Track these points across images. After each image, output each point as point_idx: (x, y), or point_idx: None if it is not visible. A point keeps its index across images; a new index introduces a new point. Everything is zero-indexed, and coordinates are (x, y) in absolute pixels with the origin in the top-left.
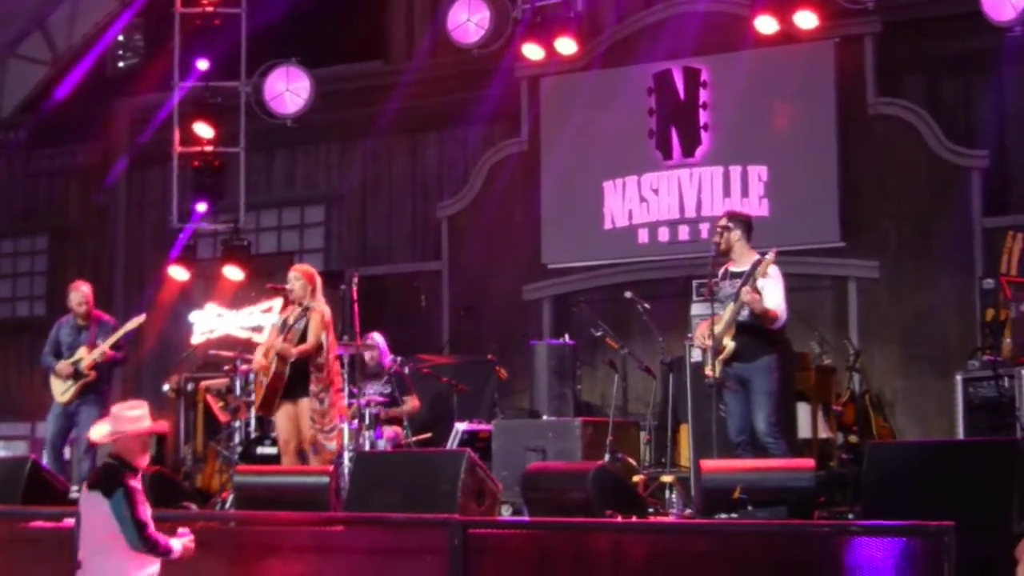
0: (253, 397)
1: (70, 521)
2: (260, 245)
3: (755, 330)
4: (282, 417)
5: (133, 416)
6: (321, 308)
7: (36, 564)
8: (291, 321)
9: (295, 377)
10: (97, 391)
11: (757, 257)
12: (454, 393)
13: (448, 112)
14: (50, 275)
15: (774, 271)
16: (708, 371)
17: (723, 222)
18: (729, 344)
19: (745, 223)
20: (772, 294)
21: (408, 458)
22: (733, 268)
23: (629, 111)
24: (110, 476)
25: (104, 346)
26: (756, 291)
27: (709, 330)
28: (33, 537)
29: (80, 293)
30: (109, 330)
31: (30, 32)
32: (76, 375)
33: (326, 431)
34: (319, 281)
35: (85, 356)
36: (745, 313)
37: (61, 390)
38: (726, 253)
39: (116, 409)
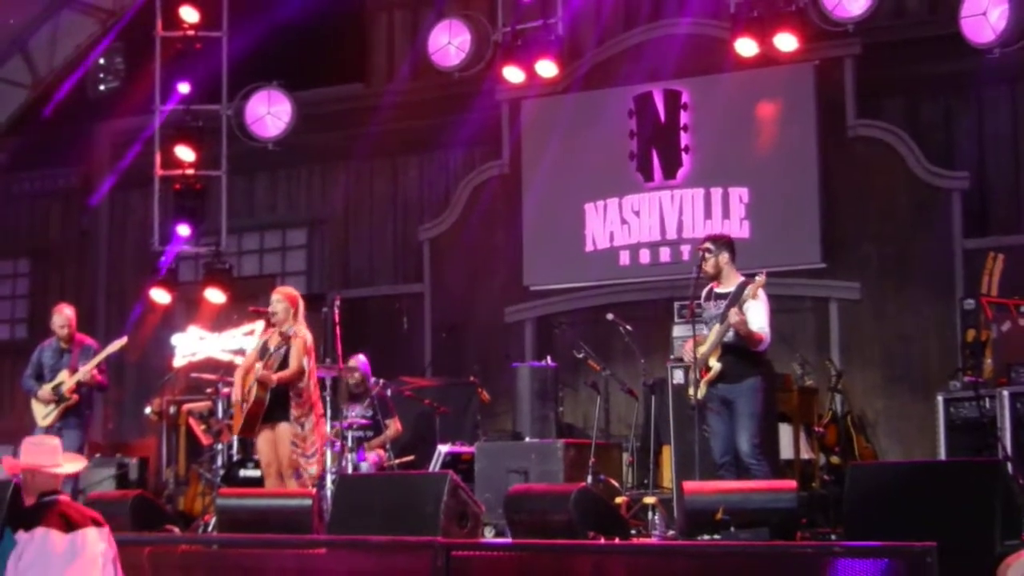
0: (232, 420)
1: None
2: (242, 268)
3: (740, 351)
4: (262, 441)
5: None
6: (303, 333)
7: None
8: (272, 347)
9: (275, 401)
10: (79, 415)
11: (742, 279)
12: (436, 415)
13: (429, 135)
14: (32, 298)
15: (761, 293)
16: (691, 392)
17: (708, 246)
18: (715, 365)
19: (729, 245)
20: (757, 316)
21: (391, 480)
22: (718, 289)
23: (610, 133)
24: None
25: (88, 367)
26: (742, 313)
27: (694, 348)
28: None
29: (63, 316)
30: (91, 354)
31: (11, 55)
32: (58, 399)
33: (307, 455)
34: (302, 305)
35: (66, 380)
36: (731, 334)
37: (43, 414)
38: (715, 276)
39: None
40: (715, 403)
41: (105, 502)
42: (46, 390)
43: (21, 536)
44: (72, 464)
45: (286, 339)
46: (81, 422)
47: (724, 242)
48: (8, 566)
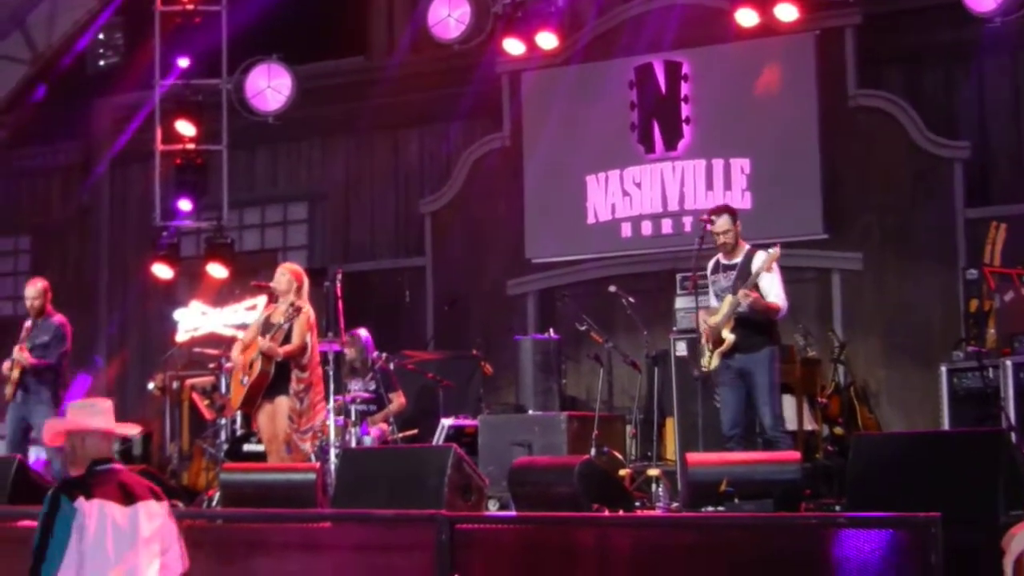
0: (229, 393)
1: None
2: (243, 243)
3: (754, 322)
4: (263, 416)
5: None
6: (307, 309)
7: (23, 563)
8: (277, 320)
9: (276, 375)
10: (48, 388)
11: (748, 249)
12: (439, 389)
13: (429, 108)
14: (33, 274)
15: (775, 265)
16: (704, 362)
17: (725, 221)
18: (728, 336)
19: (736, 214)
20: (773, 285)
21: (394, 454)
22: (725, 260)
23: (611, 105)
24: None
25: (16, 348)
26: (754, 289)
27: (706, 318)
28: (20, 536)
29: (32, 288)
30: (48, 329)
31: (9, 32)
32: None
33: (302, 431)
34: (306, 281)
35: (16, 354)
36: (746, 304)
37: (7, 388)
38: (734, 247)
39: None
40: (727, 375)
41: None
42: (5, 365)
43: (82, 504)
44: (126, 427)
45: (297, 310)
46: (51, 397)
47: (733, 213)
48: (72, 538)
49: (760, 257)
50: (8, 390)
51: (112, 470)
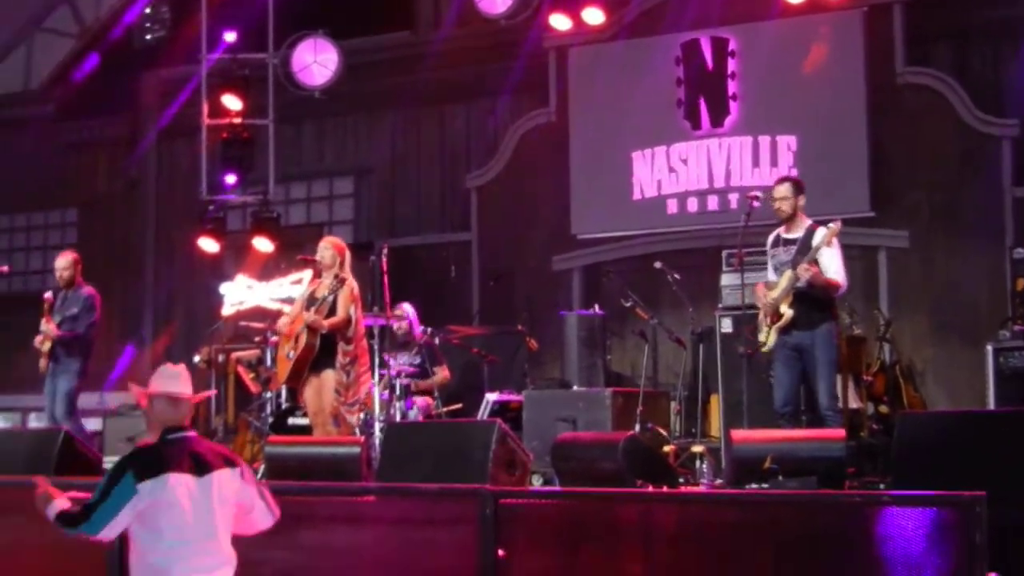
0: (275, 367)
1: None
2: (289, 217)
3: (813, 298)
4: (309, 390)
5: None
6: (351, 282)
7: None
8: (322, 293)
9: (321, 349)
10: (73, 360)
11: (810, 224)
12: (484, 363)
13: (476, 83)
14: (80, 248)
15: (835, 241)
16: (762, 338)
17: (784, 189)
18: (787, 312)
19: (802, 188)
20: (832, 262)
21: (439, 428)
22: (786, 235)
23: (657, 81)
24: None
25: (43, 320)
26: (814, 264)
27: (765, 291)
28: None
29: (63, 260)
30: (77, 300)
31: (57, 6)
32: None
33: (349, 404)
34: (348, 255)
35: (43, 326)
36: (805, 279)
37: (40, 360)
38: (789, 218)
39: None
40: (783, 351)
41: None
42: (37, 339)
43: (144, 486)
44: (200, 393)
45: (341, 282)
46: (75, 368)
47: (799, 185)
48: (120, 516)
49: (821, 232)
50: (42, 363)
51: (185, 439)
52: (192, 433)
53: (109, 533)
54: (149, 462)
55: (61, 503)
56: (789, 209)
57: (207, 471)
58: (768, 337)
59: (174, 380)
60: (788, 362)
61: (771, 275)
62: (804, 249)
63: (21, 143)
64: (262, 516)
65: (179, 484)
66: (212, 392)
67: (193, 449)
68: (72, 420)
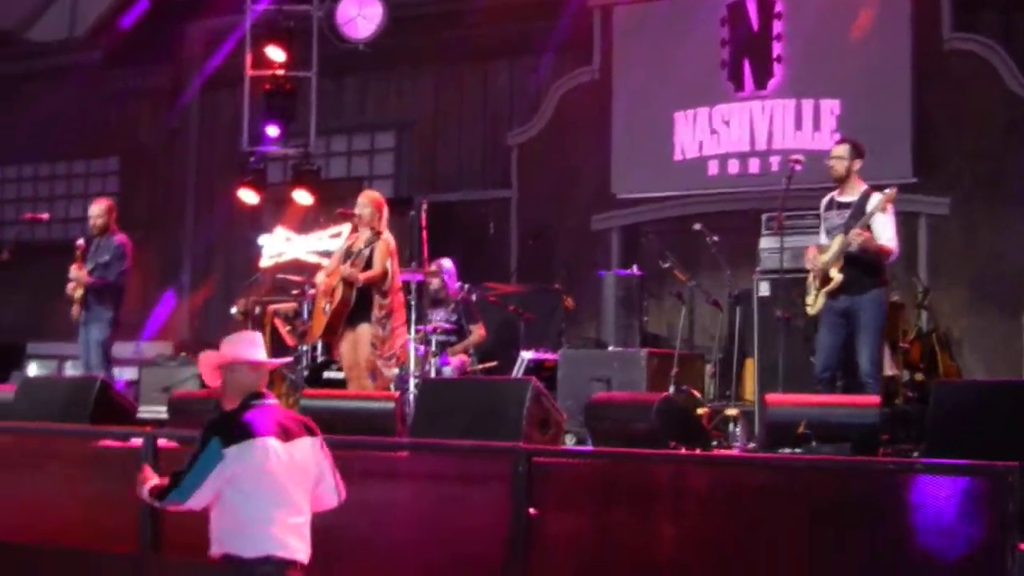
0: (311, 320)
1: (137, 441)
2: (330, 170)
3: (864, 262)
4: (345, 344)
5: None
6: (387, 236)
7: (104, 483)
8: (358, 247)
9: (358, 303)
10: (104, 308)
11: (865, 188)
12: (520, 322)
13: (520, 40)
14: (121, 196)
15: (890, 207)
16: (809, 301)
17: (842, 149)
18: (836, 276)
19: (860, 152)
20: (886, 228)
21: (473, 385)
22: (839, 198)
23: (701, 41)
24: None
25: (73, 266)
26: (867, 229)
27: (816, 255)
28: (101, 456)
29: (97, 207)
30: (109, 248)
31: None
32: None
33: (385, 357)
34: (386, 210)
35: (74, 273)
36: (856, 244)
37: (72, 308)
38: (842, 180)
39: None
40: (830, 316)
41: (190, 401)
42: (70, 286)
43: (231, 451)
44: (279, 359)
45: (377, 235)
46: (107, 317)
47: (856, 148)
48: (208, 482)
49: (875, 197)
50: (74, 310)
51: (267, 406)
52: (273, 399)
53: (199, 499)
54: (234, 428)
55: (154, 481)
56: (842, 170)
57: (290, 438)
58: (816, 300)
59: (254, 347)
60: (833, 327)
61: (823, 238)
62: (858, 214)
63: (65, 91)
64: (329, 493)
65: (265, 449)
66: (289, 359)
67: (277, 416)
68: (105, 370)
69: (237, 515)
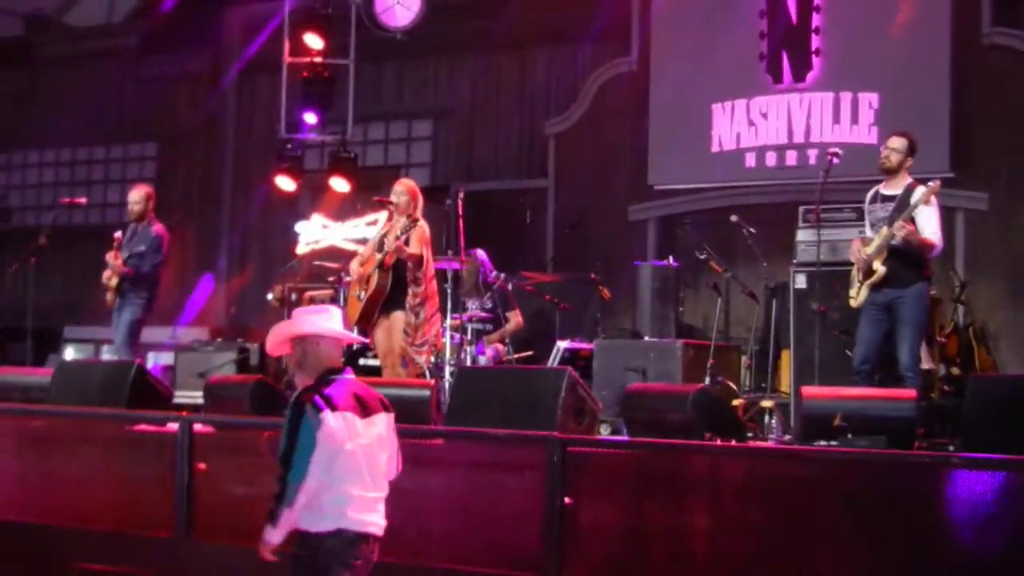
0: (345, 308)
1: (173, 425)
2: (367, 158)
3: (908, 256)
4: (379, 331)
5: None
6: (422, 223)
7: (140, 466)
8: (394, 234)
9: (392, 290)
10: (137, 291)
11: (910, 182)
12: (556, 311)
13: (558, 29)
14: (158, 181)
15: (933, 199)
16: (852, 293)
17: (897, 141)
18: (879, 268)
19: (914, 146)
20: (929, 222)
21: (509, 374)
22: (884, 191)
23: (740, 34)
24: None
25: (111, 255)
26: (910, 222)
27: (860, 247)
28: (137, 440)
29: (136, 193)
30: (146, 238)
31: None
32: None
33: (417, 344)
34: (421, 198)
35: (110, 261)
36: (900, 237)
37: (107, 295)
38: (894, 171)
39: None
40: (872, 309)
41: (226, 386)
42: (105, 274)
43: (326, 417)
44: (357, 337)
45: (413, 221)
46: (140, 298)
47: (913, 145)
48: (318, 448)
49: (920, 191)
50: (109, 297)
51: (346, 381)
52: (351, 373)
53: (315, 472)
54: (321, 399)
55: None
56: (896, 162)
57: (368, 413)
58: (859, 293)
59: (336, 320)
60: (874, 320)
61: (868, 231)
62: (902, 207)
63: (103, 76)
64: (391, 467)
65: (349, 422)
66: (367, 339)
67: (355, 390)
68: (129, 350)
69: (321, 489)
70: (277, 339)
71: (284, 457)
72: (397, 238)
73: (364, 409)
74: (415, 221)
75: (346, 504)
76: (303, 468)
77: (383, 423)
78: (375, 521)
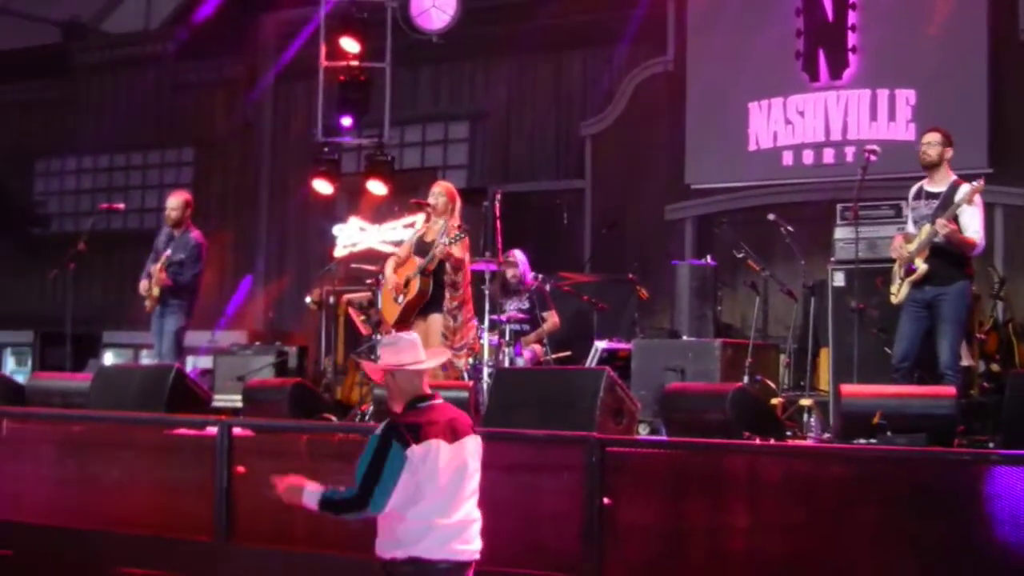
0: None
1: (212, 429)
2: (404, 160)
3: (950, 254)
4: (416, 333)
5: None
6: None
7: (179, 470)
8: (431, 238)
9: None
10: (179, 298)
11: (954, 179)
12: (594, 311)
13: (593, 30)
14: (195, 186)
15: (977, 198)
16: (893, 290)
17: (934, 136)
18: (921, 266)
19: (951, 142)
20: (972, 220)
21: (547, 375)
22: (928, 187)
23: (776, 32)
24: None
25: (158, 265)
26: (953, 220)
27: (902, 244)
28: (176, 444)
29: (175, 199)
30: (185, 246)
31: None
32: (150, 289)
33: (456, 348)
34: (460, 202)
35: (155, 272)
36: (943, 235)
37: (146, 302)
38: (933, 168)
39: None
40: (913, 307)
41: (264, 389)
42: (143, 284)
43: (414, 451)
44: (436, 358)
45: (464, 231)
46: (182, 305)
47: (948, 138)
48: (400, 479)
49: (964, 189)
50: (148, 304)
51: (436, 406)
52: (440, 400)
53: (387, 507)
54: (409, 429)
55: (312, 489)
56: (935, 156)
57: (457, 437)
58: (900, 290)
59: (413, 351)
60: (915, 317)
61: (910, 227)
62: (946, 204)
63: (140, 82)
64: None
65: (438, 450)
66: (447, 356)
67: (445, 416)
68: (177, 358)
69: (401, 517)
70: (370, 373)
71: (363, 476)
72: (446, 246)
73: (453, 434)
74: (465, 231)
75: (423, 534)
76: (382, 500)
77: (473, 445)
78: (460, 548)
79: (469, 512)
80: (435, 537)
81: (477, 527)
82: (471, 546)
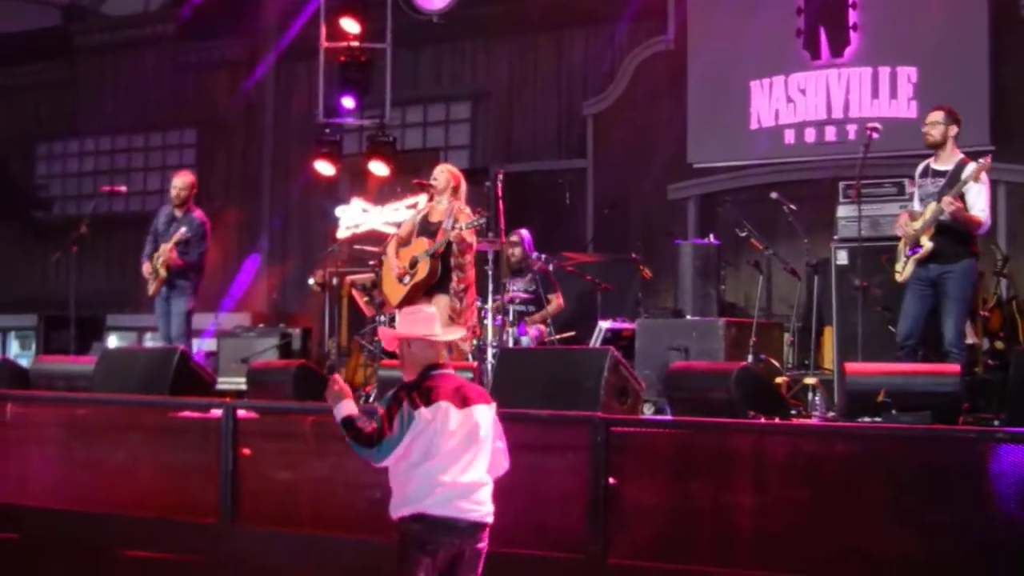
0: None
1: (217, 411)
2: (406, 141)
3: (956, 232)
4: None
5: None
6: (466, 210)
7: (184, 453)
8: (435, 219)
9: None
10: (186, 278)
11: (961, 157)
12: (598, 291)
13: (595, 9)
14: (198, 168)
15: (984, 176)
16: (899, 268)
17: (938, 115)
18: (927, 244)
19: (958, 120)
20: (978, 199)
21: (551, 355)
22: (935, 165)
23: (777, 10)
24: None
25: (168, 246)
26: (959, 198)
27: (907, 222)
28: (181, 427)
29: (181, 180)
30: (191, 226)
31: None
32: (156, 272)
33: None
34: (463, 182)
35: (163, 252)
36: (948, 213)
37: (150, 285)
38: (938, 147)
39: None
40: (918, 284)
41: (268, 371)
42: (147, 267)
43: (422, 412)
44: (452, 332)
45: (482, 217)
46: (189, 285)
47: (953, 115)
48: (402, 443)
49: (970, 167)
50: (153, 286)
51: (447, 374)
52: (451, 369)
53: (389, 461)
54: (421, 392)
55: (349, 406)
56: (938, 135)
57: (467, 404)
58: (905, 268)
59: (428, 324)
60: (920, 295)
61: (916, 205)
62: (952, 182)
63: (141, 64)
64: (499, 460)
65: (447, 412)
66: (461, 333)
67: (456, 383)
68: (186, 340)
69: (410, 478)
70: (385, 340)
71: (376, 436)
72: (461, 230)
73: (463, 400)
74: (484, 216)
75: (429, 491)
76: (388, 452)
77: (484, 414)
78: (467, 507)
79: (479, 476)
80: (441, 494)
81: (487, 491)
82: (481, 508)
